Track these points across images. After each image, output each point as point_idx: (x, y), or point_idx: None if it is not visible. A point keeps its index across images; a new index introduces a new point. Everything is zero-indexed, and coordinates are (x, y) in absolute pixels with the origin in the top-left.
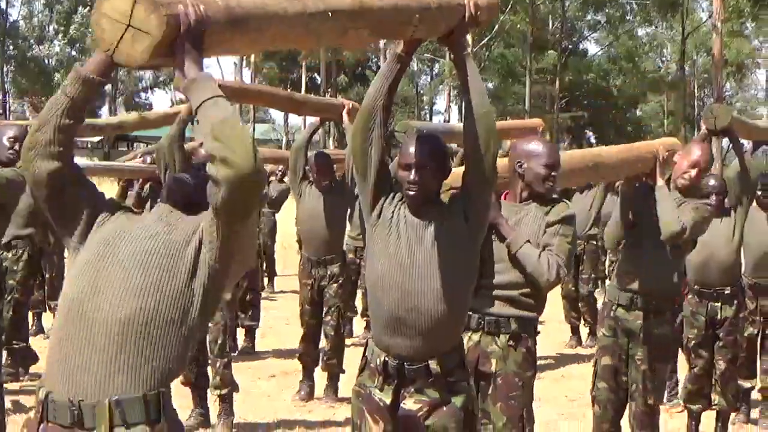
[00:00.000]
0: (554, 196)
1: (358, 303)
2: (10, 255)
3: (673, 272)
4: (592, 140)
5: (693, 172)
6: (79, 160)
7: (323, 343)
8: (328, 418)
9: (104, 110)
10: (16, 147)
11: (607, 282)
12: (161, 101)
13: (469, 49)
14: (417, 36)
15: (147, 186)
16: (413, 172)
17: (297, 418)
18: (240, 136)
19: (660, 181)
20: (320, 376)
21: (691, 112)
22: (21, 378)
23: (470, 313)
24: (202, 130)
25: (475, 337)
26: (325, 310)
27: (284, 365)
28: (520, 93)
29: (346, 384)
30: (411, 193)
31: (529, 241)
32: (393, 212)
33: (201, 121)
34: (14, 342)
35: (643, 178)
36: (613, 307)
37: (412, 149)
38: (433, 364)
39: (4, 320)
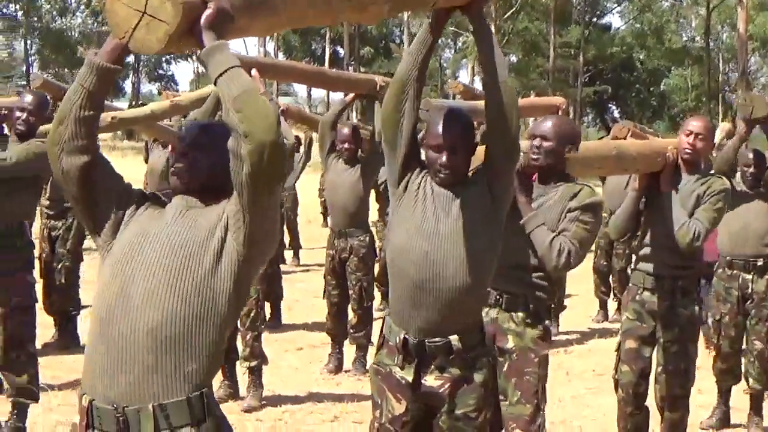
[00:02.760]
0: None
1: None
2: (60, 224)
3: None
4: (616, 114)
5: (690, 139)
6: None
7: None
8: (356, 391)
9: (127, 83)
10: (24, 117)
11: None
12: (184, 73)
13: (491, 22)
14: (438, 6)
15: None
16: (445, 155)
17: (325, 390)
18: (261, 107)
19: (666, 187)
20: (348, 349)
21: (714, 86)
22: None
23: (489, 289)
24: (223, 104)
25: (493, 313)
26: (349, 283)
27: (311, 338)
28: (544, 67)
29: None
30: (442, 176)
31: (544, 224)
32: (419, 185)
33: (221, 93)
34: (72, 309)
35: (657, 176)
36: (639, 291)
37: (440, 129)
38: (454, 340)
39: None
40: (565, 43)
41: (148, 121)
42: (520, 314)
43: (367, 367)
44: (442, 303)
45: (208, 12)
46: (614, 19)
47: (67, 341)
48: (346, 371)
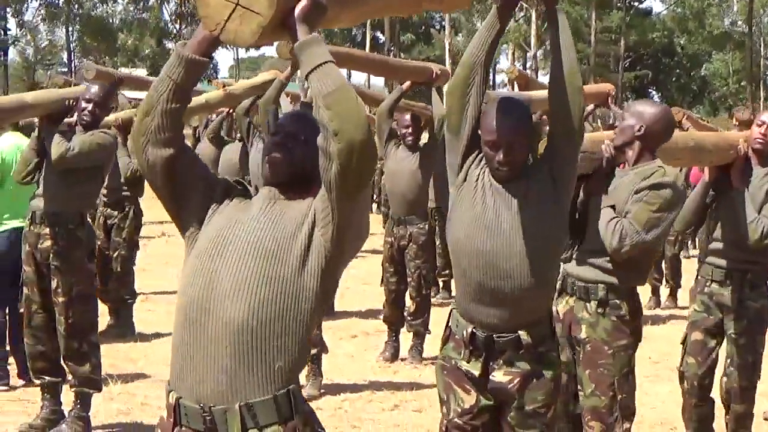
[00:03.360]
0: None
1: None
2: (116, 213)
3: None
4: (656, 99)
5: (763, 129)
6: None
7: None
8: (414, 380)
9: None
10: (90, 108)
11: (692, 251)
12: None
13: (535, 6)
14: None
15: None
16: (501, 152)
17: (383, 379)
18: (352, 106)
19: (737, 181)
20: (405, 337)
21: (756, 71)
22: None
23: (566, 277)
24: (313, 98)
25: (571, 301)
26: (407, 271)
27: (365, 326)
28: (585, 52)
29: (431, 345)
30: (499, 172)
31: (613, 206)
32: (479, 175)
33: (312, 89)
34: (127, 298)
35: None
36: (707, 283)
37: (494, 124)
38: (523, 335)
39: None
40: (605, 28)
41: (203, 112)
42: (593, 304)
43: (424, 356)
44: (509, 300)
45: (303, 3)
46: (655, 4)
47: (123, 329)
48: (402, 359)
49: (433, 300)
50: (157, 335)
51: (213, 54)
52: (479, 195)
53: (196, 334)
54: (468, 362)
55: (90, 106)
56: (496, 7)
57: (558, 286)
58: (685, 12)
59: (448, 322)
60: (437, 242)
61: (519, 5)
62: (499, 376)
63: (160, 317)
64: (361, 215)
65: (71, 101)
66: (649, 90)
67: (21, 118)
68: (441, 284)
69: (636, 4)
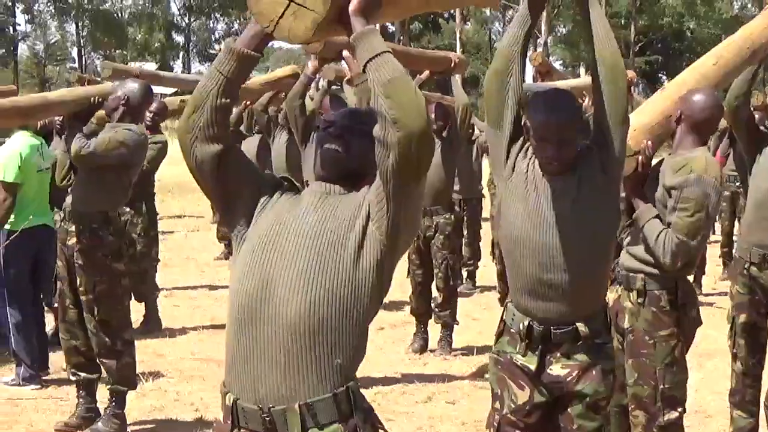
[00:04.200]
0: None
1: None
2: (127, 209)
3: None
4: (666, 84)
5: None
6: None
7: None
8: (444, 371)
9: (177, 63)
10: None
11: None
12: None
13: None
14: None
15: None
16: (553, 148)
17: (414, 371)
18: (411, 94)
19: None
20: (433, 328)
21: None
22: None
23: (615, 266)
24: (371, 87)
25: (619, 290)
26: (434, 262)
27: (391, 317)
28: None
29: (460, 335)
30: (550, 168)
31: (658, 216)
32: (528, 166)
33: (370, 79)
34: (151, 293)
35: None
36: (746, 265)
37: (544, 119)
38: (581, 327)
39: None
40: (615, 13)
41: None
42: (634, 293)
43: (454, 347)
44: (565, 293)
45: None
46: None
47: (150, 325)
48: (431, 351)
49: (458, 290)
50: (183, 330)
51: (264, 49)
52: (531, 187)
53: (251, 334)
54: (524, 356)
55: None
56: (527, 1)
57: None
58: None
59: (502, 315)
60: (464, 232)
61: None
62: (556, 369)
63: (184, 312)
64: (417, 208)
65: (96, 99)
66: (660, 74)
67: (46, 117)
68: (466, 274)
69: None
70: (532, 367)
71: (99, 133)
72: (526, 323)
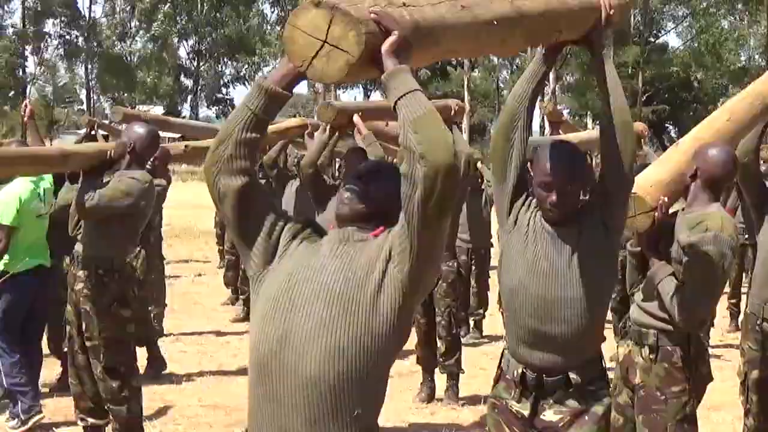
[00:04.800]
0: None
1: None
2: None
3: None
4: (673, 134)
5: None
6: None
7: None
8: (452, 420)
9: (185, 106)
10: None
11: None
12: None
13: (607, 50)
14: (560, 39)
15: None
16: (555, 195)
17: (422, 420)
18: (440, 130)
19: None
20: (440, 377)
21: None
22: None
23: (626, 320)
24: (401, 124)
25: (630, 345)
26: (437, 310)
27: (398, 366)
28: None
29: (466, 385)
30: (551, 214)
31: (673, 273)
32: (529, 219)
33: (400, 115)
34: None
35: None
36: (758, 321)
37: (548, 166)
38: (573, 375)
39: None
40: (623, 63)
41: None
42: (646, 349)
43: (460, 395)
44: (560, 343)
45: (393, 39)
46: (671, 39)
47: (155, 370)
48: (438, 400)
49: (464, 340)
50: (190, 376)
51: (294, 88)
52: (531, 240)
53: (272, 384)
54: (518, 402)
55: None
56: (541, 54)
57: (622, 329)
58: (701, 48)
59: (500, 362)
60: (472, 282)
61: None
62: (549, 415)
63: (191, 357)
64: (440, 248)
65: (111, 154)
66: (667, 125)
67: (61, 170)
68: (473, 324)
69: (652, 39)
70: (526, 413)
71: (106, 182)
72: (519, 371)
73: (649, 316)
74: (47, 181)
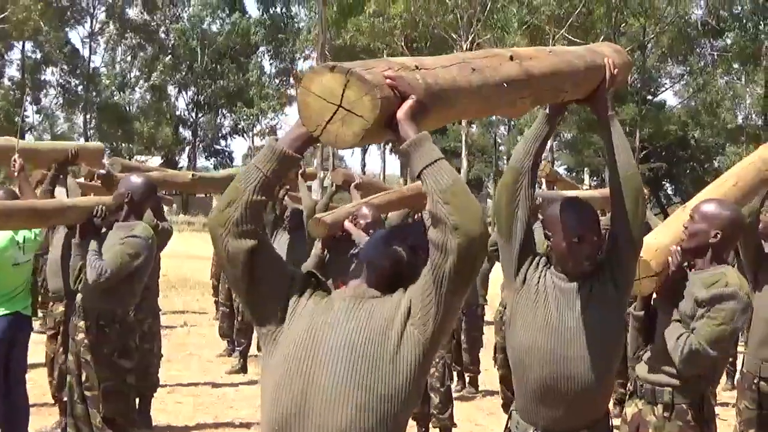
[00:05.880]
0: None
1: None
2: None
3: None
4: (669, 192)
5: None
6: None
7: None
8: None
9: (183, 157)
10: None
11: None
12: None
13: (612, 110)
14: (565, 99)
15: None
16: (588, 246)
17: None
18: (470, 200)
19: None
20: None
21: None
22: None
23: (636, 379)
24: (428, 193)
25: (640, 404)
26: None
27: None
28: (598, 144)
29: None
30: (586, 266)
31: (680, 320)
32: (539, 278)
33: (427, 185)
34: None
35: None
36: (755, 380)
37: (578, 220)
38: None
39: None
40: (620, 121)
41: (226, 185)
42: (660, 407)
43: None
44: (571, 401)
45: (409, 104)
46: (669, 97)
47: (143, 422)
48: None
49: (458, 394)
50: (186, 429)
51: (305, 151)
52: (541, 299)
53: None
54: None
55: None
56: (545, 114)
57: (630, 388)
58: (698, 107)
59: (507, 424)
60: (462, 337)
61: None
62: None
63: (187, 409)
64: (459, 309)
65: (101, 209)
66: (663, 182)
67: (61, 222)
68: (468, 380)
69: (650, 97)
70: None
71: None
72: None
73: (664, 375)
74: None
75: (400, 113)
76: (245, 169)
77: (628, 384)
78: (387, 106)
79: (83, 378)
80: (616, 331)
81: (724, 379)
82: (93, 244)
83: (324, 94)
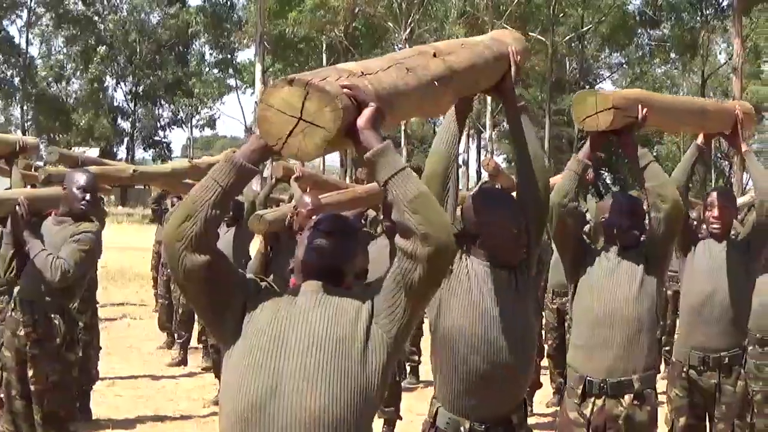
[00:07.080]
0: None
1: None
2: None
3: (740, 325)
4: (608, 180)
5: (715, 212)
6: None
7: None
8: None
9: (122, 149)
10: (87, 198)
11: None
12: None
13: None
14: (476, 91)
15: None
16: (524, 235)
17: None
18: (437, 209)
19: (744, 146)
20: (377, 423)
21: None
22: None
23: (590, 379)
24: (396, 205)
25: (599, 402)
26: None
27: None
28: (539, 134)
29: (403, 431)
30: (522, 253)
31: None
32: (465, 265)
33: (393, 194)
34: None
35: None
36: (684, 368)
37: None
38: (515, 419)
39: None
40: (559, 111)
41: (167, 180)
42: (627, 397)
43: None
44: (507, 387)
45: (369, 112)
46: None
47: (83, 415)
48: None
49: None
50: (127, 421)
51: (262, 163)
52: (472, 285)
53: None
54: None
55: (88, 196)
56: (452, 114)
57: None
58: None
59: (434, 421)
60: None
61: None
62: None
63: (127, 402)
64: (423, 312)
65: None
66: (602, 171)
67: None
68: (409, 369)
69: (589, 87)
70: None
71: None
72: (467, 426)
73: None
74: None
75: (361, 122)
76: (201, 184)
77: (569, 381)
78: (348, 116)
79: (31, 373)
80: (534, 314)
81: (663, 367)
82: (38, 243)
83: (284, 107)
